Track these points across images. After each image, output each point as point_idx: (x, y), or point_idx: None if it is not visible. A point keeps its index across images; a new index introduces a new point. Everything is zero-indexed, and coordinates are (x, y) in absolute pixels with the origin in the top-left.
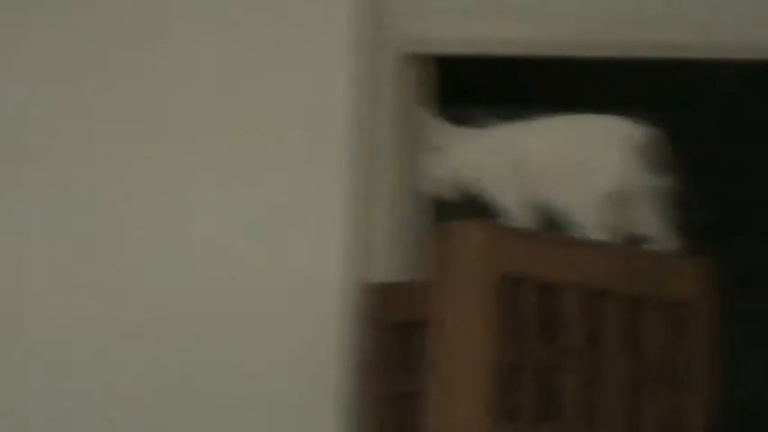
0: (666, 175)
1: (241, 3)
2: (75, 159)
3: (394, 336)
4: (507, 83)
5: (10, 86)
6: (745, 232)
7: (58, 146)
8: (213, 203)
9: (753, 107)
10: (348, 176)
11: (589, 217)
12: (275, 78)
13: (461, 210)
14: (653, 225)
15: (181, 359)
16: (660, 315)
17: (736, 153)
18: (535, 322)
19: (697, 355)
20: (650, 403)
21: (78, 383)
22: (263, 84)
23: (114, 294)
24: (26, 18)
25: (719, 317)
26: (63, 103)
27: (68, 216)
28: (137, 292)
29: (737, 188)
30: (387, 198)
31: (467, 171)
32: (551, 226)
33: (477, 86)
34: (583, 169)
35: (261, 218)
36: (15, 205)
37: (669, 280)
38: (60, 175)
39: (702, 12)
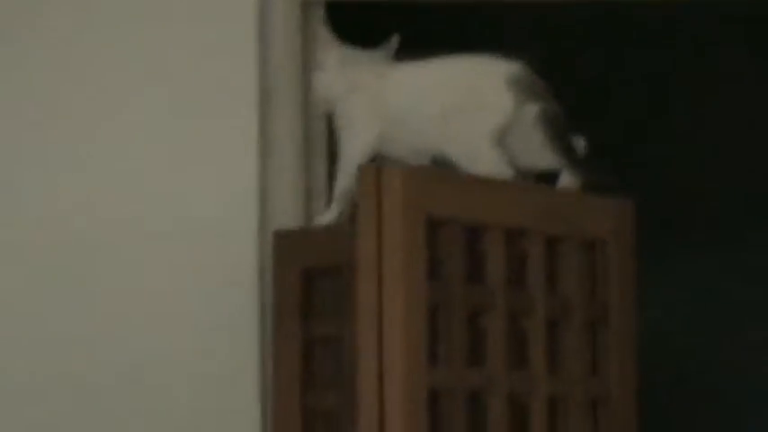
0: (547, 102)
1: None
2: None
3: (306, 281)
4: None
5: None
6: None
7: None
8: (120, 154)
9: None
10: (252, 124)
11: (481, 156)
12: (175, 31)
13: None
14: (548, 154)
15: (88, 309)
16: (579, 254)
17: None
18: (459, 264)
19: (615, 295)
20: (570, 343)
21: None
22: (162, 38)
23: (23, 235)
24: None
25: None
26: None
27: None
28: (44, 237)
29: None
30: (291, 145)
31: (333, 93)
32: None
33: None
34: (465, 110)
35: (167, 167)
36: None
37: (587, 219)
38: None
39: None
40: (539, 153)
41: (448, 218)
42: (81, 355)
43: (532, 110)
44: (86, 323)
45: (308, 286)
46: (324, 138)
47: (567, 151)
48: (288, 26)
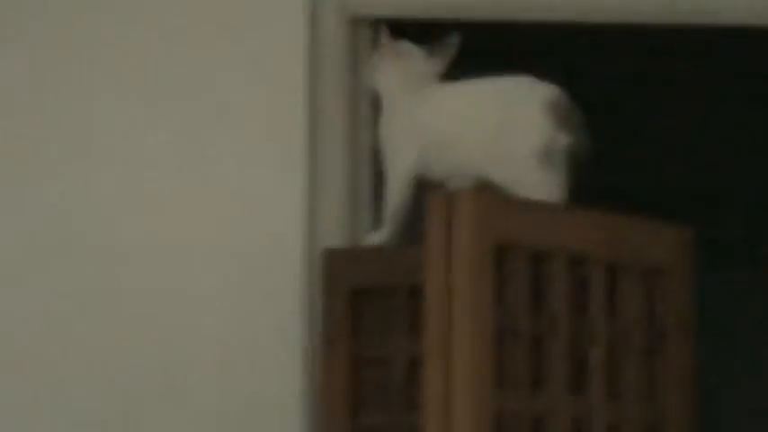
0: (578, 136)
1: None
2: (34, 139)
3: (355, 301)
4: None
5: None
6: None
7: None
8: (171, 173)
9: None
10: (300, 142)
11: (527, 178)
12: (227, 48)
13: None
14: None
15: (135, 328)
16: (638, 281)
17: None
18: (525, 289)
19: (673, 322)
20: (629, 370)
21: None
22: (214, 54)
23: (67, 265)
24: None
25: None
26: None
27: (28, 208)
28: (91, 258)
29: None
30: (339, 163)
31: (385, 89)
32: None
33: None
34: (505, 131)
35: (216, 187)
36: None
37: (647, 246)
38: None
39: None
40: (565, 178)
41: (514, 243)
42: (126, 368)
43: (563, 140)
44: (131, 338)
45: (357, 306)
46: (369, 156)
47: (568, 188)
48: (337, 44)
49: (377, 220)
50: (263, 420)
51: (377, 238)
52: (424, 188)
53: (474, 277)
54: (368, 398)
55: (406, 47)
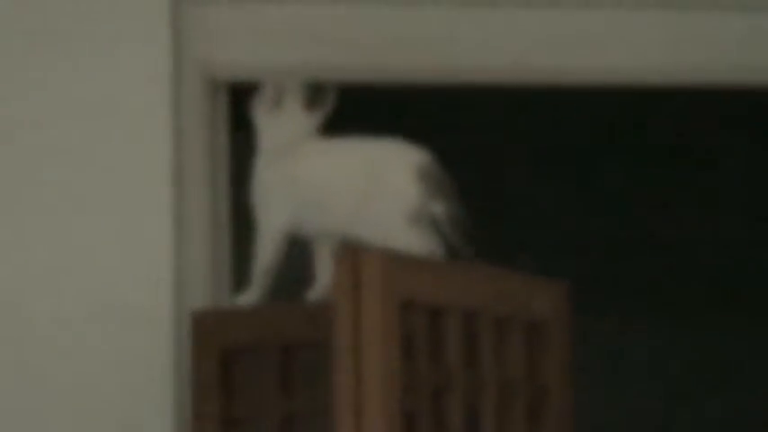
0: (451, 203)
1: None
2: None
3: (225, 363)
4: None
5: None
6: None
7: None
8: (36, 234)
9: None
10: (166, 205)
11: (390, 242)
12: (91, 113)
13: None
14: (448, 248)
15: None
16: (523, 335)
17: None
18: (425, 347)
19: (555, 375)
20: (516, 424)
21: None
22: (78, 116)
23: None
24: None
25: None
26: None
27: None
28: None
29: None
30: (203, 225)
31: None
32: None
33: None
34: (373, 195)
35: (79, 252)
36: None
37: (529, 301)
38: None
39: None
40: (438, 242)
41: (416, 301)
42: None
43: (436, 208)
44: None
45: (228, 367)
46: (231, 217)
47: (453, 254)
48: (199, 107)
49: (242, 280)
50: None
51: (246, 298)
52: (292, 246)
53: (384, 336)
54: None
55: (288, 98)
